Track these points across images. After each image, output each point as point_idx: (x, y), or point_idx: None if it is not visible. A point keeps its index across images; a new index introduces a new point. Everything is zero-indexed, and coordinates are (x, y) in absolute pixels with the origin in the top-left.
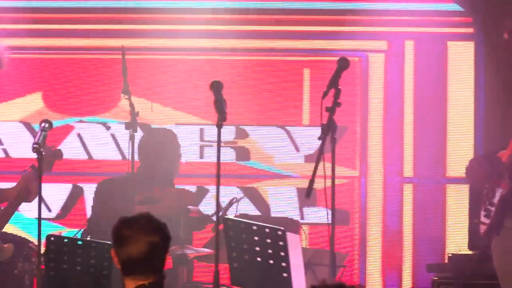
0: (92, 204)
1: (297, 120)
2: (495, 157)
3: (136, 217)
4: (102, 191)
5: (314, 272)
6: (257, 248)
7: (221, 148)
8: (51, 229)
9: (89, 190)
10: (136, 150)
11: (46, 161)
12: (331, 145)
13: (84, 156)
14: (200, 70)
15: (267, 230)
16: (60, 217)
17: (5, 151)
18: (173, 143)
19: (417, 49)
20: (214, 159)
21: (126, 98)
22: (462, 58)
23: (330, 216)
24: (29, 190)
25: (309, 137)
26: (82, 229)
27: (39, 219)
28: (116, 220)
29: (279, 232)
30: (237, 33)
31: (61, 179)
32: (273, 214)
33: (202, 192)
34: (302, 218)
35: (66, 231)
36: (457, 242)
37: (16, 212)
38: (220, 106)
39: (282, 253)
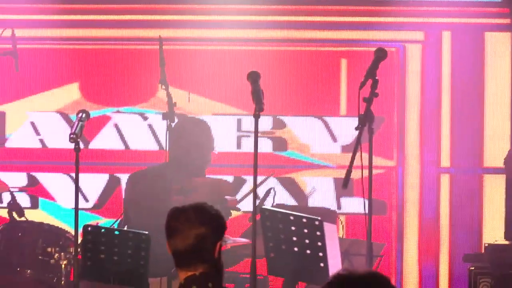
0: (124, 196)
1: (335, 110)
2: None
3: (186, 208)
4: (134, 183)
5: (351, 262)
6: (294, 238)
7: (258, 138)
8: (88, 219)
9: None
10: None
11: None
12: (368, 135)
13: (121, 147)
14: (237, 61)
15: (304, 220)
16: (97, 207)
17: (42, 141)
18: (205, 134)
19: (454, 40)
20: (251, 149)
21: (164, 89)
22: (499, 49)
23: (367, 206)
24: None
25: (346, 128)
26: (119, 219)
27: (76, 209)
28: (150, 212)
29: (316, 222)
30: (274, 23)
31: (98, 169)
32: (310, 204)
33: (239, 182)
34: (339, 208)
35: (103, 221)
36: (494, 232)
37: (53, 203)
38: (257, 96)
39: (319, 243)
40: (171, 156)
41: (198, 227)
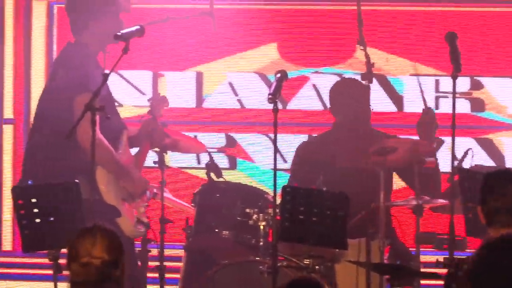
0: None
1: None
2: None
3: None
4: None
5: None
6: None
7: (456, 99)
8: (286, 180)
9: None
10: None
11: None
12: None
13: (320, 107)
14: (436, 21)
15: None
16: None
17: (240, 101)
18: (360, 93)
19: None
20: (450, 110)
21: (362, 49)
22: None
23: None
24: (151, 136)
25: None
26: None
27: (275, 170)
28: (345, 171)
29: None
30: None
31: (295, 129)
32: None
33: (437, 143)
34: None
35: None
36: None
37: (251, 163)
38: (455, 57)
39: None
40: (337, 120)
41: None
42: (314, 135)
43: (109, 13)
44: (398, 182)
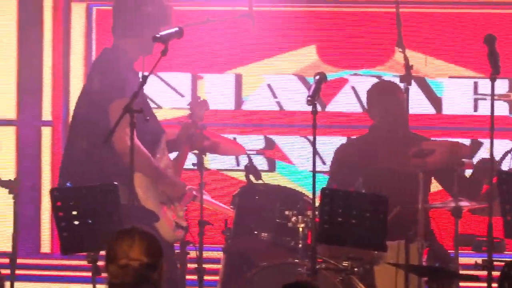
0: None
1: None
2: None
3: None
4: (342, 155)
5: None
6: None
7: (494, 101)
8: (325, 182)
9: None
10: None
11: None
12: None
13: (359, 109)
14: (474, 23)
15: None
16: None
17: (279, 103)
18: (398, 95)
19: None
20: (488, 112)
21: (400, 51)
22: None
23: None
24: (191, 140)
25: None
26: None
27: (314, 172)
28: (386, 173)
29: None
30: None
31: (335, 131)
32: None
33: (476, 145)
34: None
35: None
36: None
37: (290, 165)
38: (494, 59)
39: None
40: (375, 123)
41: None
42: (353, 137)
43: (156, 30)
44: (435, 184)
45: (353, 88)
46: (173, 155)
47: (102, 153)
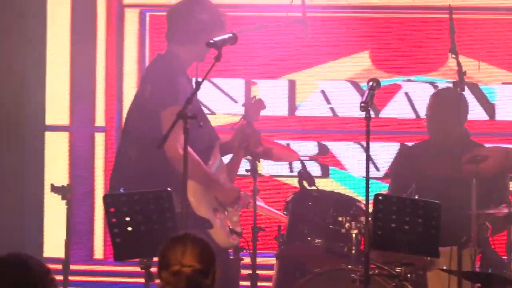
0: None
1: None
2: None
3: None
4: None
5: None
6: None
7: None
8: (378, 188)
9: None
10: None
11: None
12: None
13: (412, 115)
14: None
15: None
16: (388, 176)
17: (332, 110)
18: (459, 103)
19: None
20: None
21: (454, 57)
22: None
23: None
24: (247, 141)
25: None
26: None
27: (367, 178)
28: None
29: None
30: None
31: (389, 138)
32: None
33: None
34: None
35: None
36: None
37: (343, 171)
38: None
39: None
40: (431, 130)
41: None
42: (411, 143)
43: (211, 36)
44: None
45: (406, 94)
46: (226, 159)
47: (153, 160)
